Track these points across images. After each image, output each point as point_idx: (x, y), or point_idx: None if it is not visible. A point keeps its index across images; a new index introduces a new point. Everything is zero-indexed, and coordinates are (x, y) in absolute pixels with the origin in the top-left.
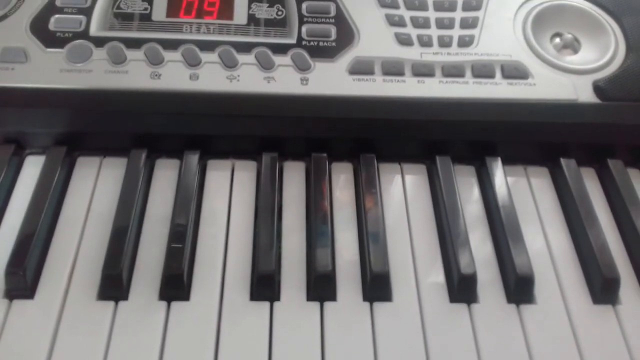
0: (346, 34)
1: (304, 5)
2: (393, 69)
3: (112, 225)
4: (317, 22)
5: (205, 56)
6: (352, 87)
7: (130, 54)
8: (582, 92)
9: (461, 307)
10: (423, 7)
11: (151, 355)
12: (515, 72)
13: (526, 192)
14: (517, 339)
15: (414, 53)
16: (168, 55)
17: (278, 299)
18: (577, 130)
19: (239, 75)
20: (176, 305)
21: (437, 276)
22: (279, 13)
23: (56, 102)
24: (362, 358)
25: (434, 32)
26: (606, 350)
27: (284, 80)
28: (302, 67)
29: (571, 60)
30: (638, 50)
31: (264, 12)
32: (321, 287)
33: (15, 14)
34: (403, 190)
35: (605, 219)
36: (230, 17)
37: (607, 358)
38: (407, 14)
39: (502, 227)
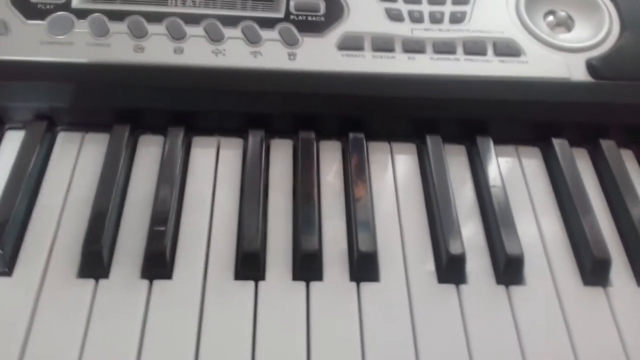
0: (335, 9)
1: None
2: (383, 45)
3: (93, 202)
4: None
5: (190, 30)
6: (341, 62)
7: (113, 26)
8: (575, 70)
9: (449, 288)
10: None
11: (132, 334)
12: (507, 49)
13: (517, 172)
14: (506, 320)
15: (405, 29)
16: (152, 28)
17: (263, 278)
18: (570, 110)
19: (224, 50)
20: (158, 283)
21: (425, 257)
22: None
23: (36, 75)
24: (348, 338)
25: (425, 7)
26: (596, 332)
27: (271, 55)
28: (290, 42)
29: (564, 38)
30: (632, 28)
31: None
32: (307, 266)
33: None
34: (392, 170)
35: (597, 200)
36: None
37: (597, 340)
38: None
39: (492, 208)
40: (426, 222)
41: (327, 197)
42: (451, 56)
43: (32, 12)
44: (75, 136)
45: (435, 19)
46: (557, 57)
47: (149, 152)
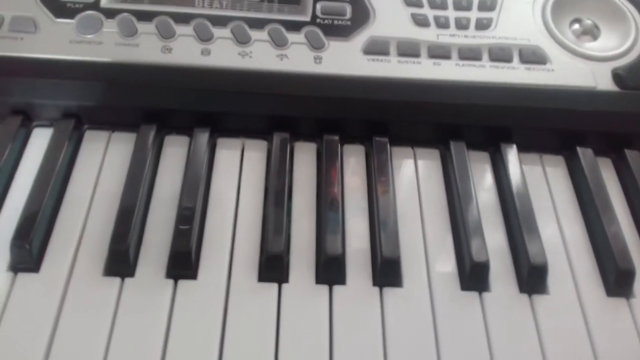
0: (361, 13)
1: None
2: (409, 50)
3: (120, 201)
4: (332, 0)
5: (217, 31)
6: (366, 67)
7: (142, 26)
8: (601, 79)
9: (472, 295)
10: None
11: (157, 333)
12: (533, 56)
13: (541, 180)
14: (529, 328)
15: (431, 34)
16: (180, 29)
17: (287, 280)
18: (595, 119)
19: (251, 52)
20: (183, 283)
21: (448, 263)
22: None
23: (65, 74)
24: (370, 343)
25: (451, 13)
26: (618, 343)
27: (297, 58)
28: (316, 46)
29: (590, 46)
30: None
31: None
32: (331, 270)
33: None
34: (415, 175)
35: (620, 210)
36: None
37: (620, 351)
38: None
39: (516, 216)
40: (449, 228)
41: (351, 201)
42: (477, 62)
43: (61, 11)
44: (102, 135)
45: (461, 25)
46: (583, 65)
47: (175, 152)
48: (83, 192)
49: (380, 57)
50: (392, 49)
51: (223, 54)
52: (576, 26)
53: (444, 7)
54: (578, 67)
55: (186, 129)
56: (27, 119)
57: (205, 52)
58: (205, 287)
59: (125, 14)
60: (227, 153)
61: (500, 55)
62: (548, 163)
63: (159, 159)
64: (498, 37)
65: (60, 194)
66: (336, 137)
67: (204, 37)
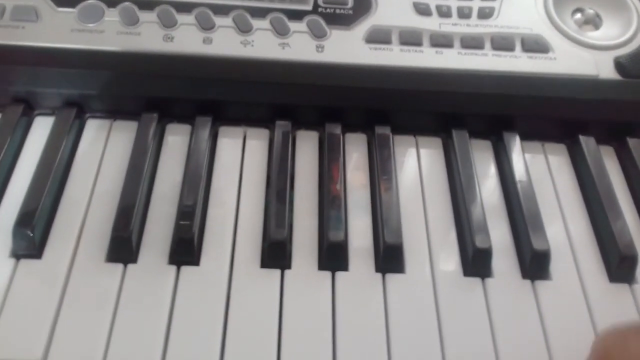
0: (363, 2)
1: None
2: (411, 39)
3: (123, 187)
4: None
5: (219, 20)
6: (368, 56)
7: (143, 15)
8: (603, 68)
9: (475, 281)
10: None
11: (160, 319)
12: (535, 45)
13: (543, 168)
14: (532, 314)
15: (433, 23)
16: (181, 18)
17: (289, 267)
18: (597, 107)
19: (253, 41)
20: (186, 269)
21: (451, 250)
22: None
23: (66, 62)
24: (373, 328)
25: (453, 2)
26: None
27: (299, 47)
28: (318, 34)
29: (592, 35)
30: None
31: None
32: (333, 256)
33: None
34: (418, 164)
35: (623, 198)
36: None
37: None
38: None
39: (518, 203)
40: (452, 215)
41: (353, 189)
42: (479, 51)
43: (62, 0)
44: (104, 123)
45: (463, 14)
46: (586, 54)
47: (177, 141)
48: (85, 180)
49: (382, 46)
50: (394, 38)
51: (225, 42)
52: (578, 15)
53: None
54: (580, 56)
55: (188, 118)
56: (29, 108)
57: (207, 41)
58: (207, 273)
59: (126, 3)
60: (229, 141)
61: (503, 44)
62: (550, 151)
63: (160, 147)
64: (500, 26)
65: (62, 182)
66: (338, 126)
67: (206, 26)
